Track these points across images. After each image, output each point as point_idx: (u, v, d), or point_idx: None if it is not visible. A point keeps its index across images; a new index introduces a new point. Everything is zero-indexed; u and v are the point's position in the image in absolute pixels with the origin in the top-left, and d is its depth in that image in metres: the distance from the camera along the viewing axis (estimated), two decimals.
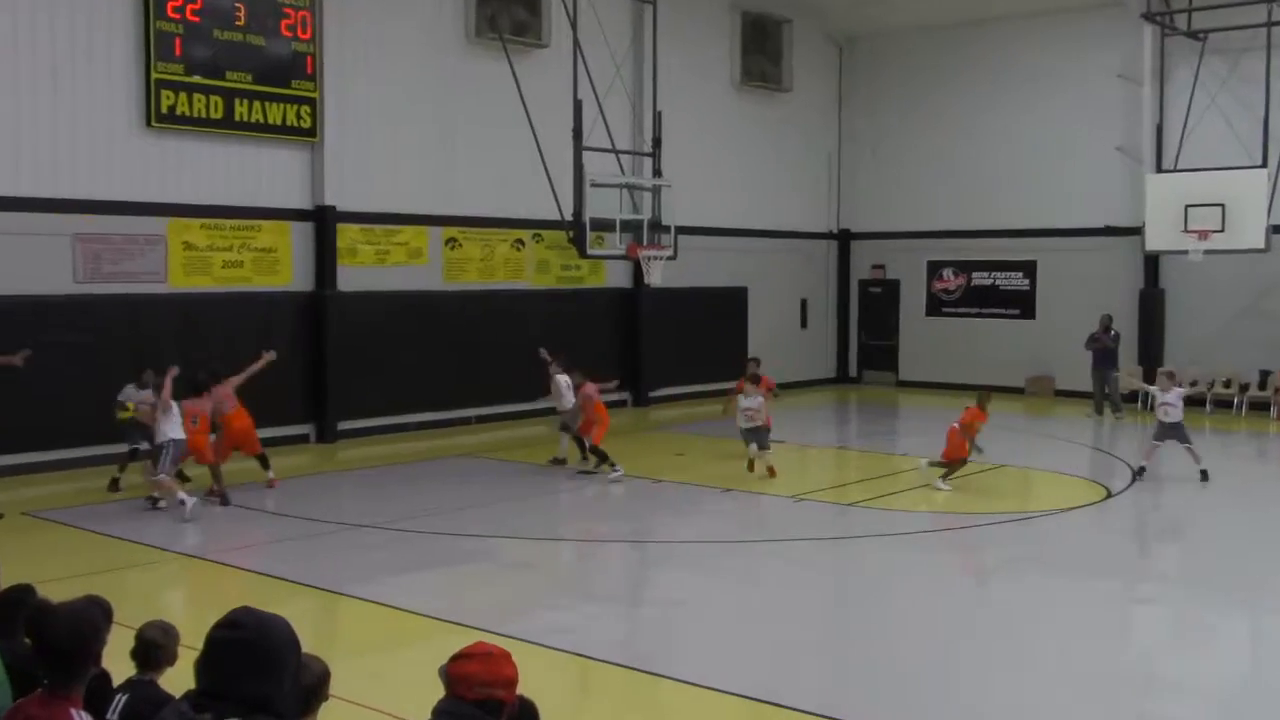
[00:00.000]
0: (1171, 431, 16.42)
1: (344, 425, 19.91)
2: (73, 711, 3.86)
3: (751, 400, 16.46)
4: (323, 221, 19.68)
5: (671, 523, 14.46)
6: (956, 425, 16.10)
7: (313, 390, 19.65)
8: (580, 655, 9.12)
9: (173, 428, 13.92)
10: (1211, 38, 23.74)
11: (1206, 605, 10.87)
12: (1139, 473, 16.65)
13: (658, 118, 20.62)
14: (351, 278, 20.05)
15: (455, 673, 3.68)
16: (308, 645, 4.44)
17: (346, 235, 20.04)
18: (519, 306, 22.40)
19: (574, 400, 17.19)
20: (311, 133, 19.40)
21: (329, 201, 19.69)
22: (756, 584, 11.48)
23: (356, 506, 14.57)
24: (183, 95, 17.87)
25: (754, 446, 16.26)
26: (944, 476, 15.82)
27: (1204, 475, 16.36)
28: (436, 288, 21.34)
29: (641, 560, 12.94)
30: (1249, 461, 20.48)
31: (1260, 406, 23.71)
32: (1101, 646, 9.70)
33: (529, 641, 9.20)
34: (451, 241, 21.63)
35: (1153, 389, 17.63)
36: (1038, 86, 26.73)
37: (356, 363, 19.86)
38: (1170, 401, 16.45)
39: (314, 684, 4.24)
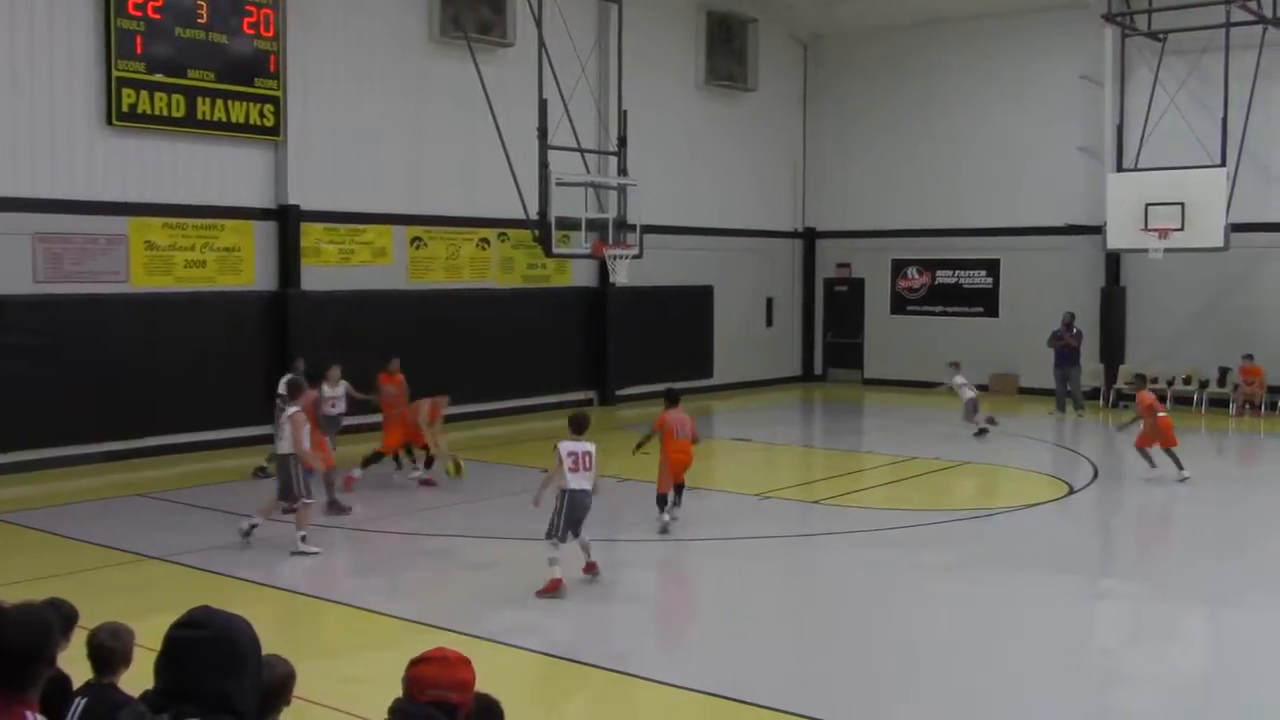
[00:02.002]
0: (972, 407, 20.02)
1: None
2: (28, 714, 3.82)
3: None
4: (286, 221, 19.55)
5: (637, 521, 14.45)
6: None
7: (275, 390, 19.45)
8: (547, 655, 9.11)
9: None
10: (1171, 38, 23.97)
11: (1167, 600, 10.98)
12: (980, 434, 19.67)
13: (623, 117, 20.63)
14: (315, 277, 19.93)
15: (411, 675, 3.81)
16: (275, 648, 4.42)
17: (310, 234, 19.93)
18: (484, 306, 22.33)
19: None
20: (275, 131, 19.27)
21: (292, 200, 19.57)
22: (722, 582, 11.49)
23: (321, 508, 14.45)
24: (144, 93, 17.71)
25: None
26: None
27: (981, 431, 19.69)
28: (401, 287, 21.25)
29: (608, 559, 12.92)
30: (1208, 458, 20.69)
31: (1219, 403, 23.96)
32: (1064, 641, 9.79)
33: (495, 641, 9.19)
34: (416, 241, 21.55)
35: (954, 381, 20.70)
36: (1001, 86, 26.92)
37: (320, 362, 19.68)
38: (957, 387, 20.52)
39: (277, 685, 4.21)
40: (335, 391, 16.13)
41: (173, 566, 11.65)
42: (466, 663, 3.89)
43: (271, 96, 19.18)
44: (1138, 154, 23.95)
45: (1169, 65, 24.00)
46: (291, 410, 12.31)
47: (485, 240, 22.66)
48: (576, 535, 10.75)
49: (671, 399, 13.67)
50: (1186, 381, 24.50)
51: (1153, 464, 16.56)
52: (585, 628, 10.24)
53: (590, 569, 10.90)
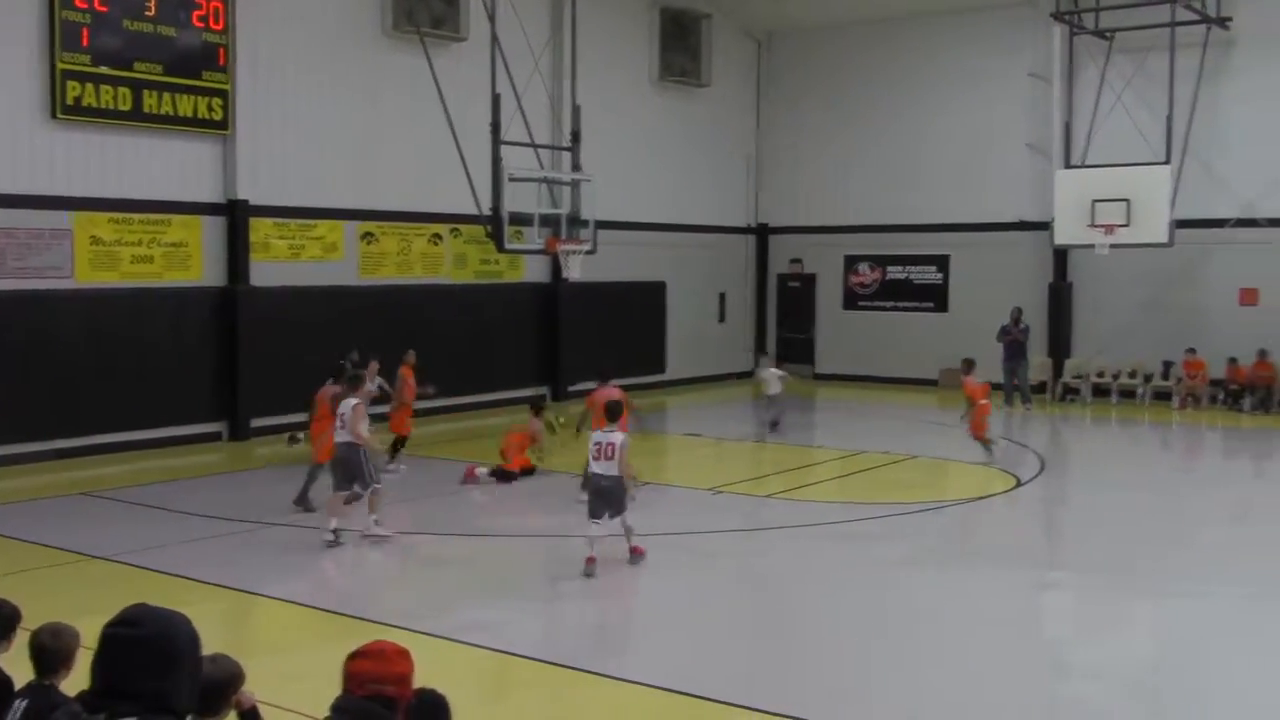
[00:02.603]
0: (770, 402, 20.21)
1: (257, 422, 19.59)
2: None
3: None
4: (235, 216, 19.34)
5: (581, 517, 14.43)
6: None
7: (224, 387, 19.31)
8: (500, 651, 9.06)
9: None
10: (1118, 37, 24.24)
11: (1114, 591, 11.10)
12: (772, 428, 19.78)
13: (576, 112, 20.59)
14: (265, 273, 19.74)
15: (349, 670, 3.80)
16: (222, 646, 4.37)
17: (260, 229, 19.72)
18: (437, 301, 22.21)
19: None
20: (224, 125, 19.06)
21: (241, 195, 19.36)
22: (675, 577, 11.50)
23: (270, 505, 14.32)
24: (90, 86, 17.45)
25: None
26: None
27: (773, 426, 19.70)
28: (352, 283, 21.09)
29: (561, 556, 12.91)
30: (1153, 450, 20.97)
31: (1163, 396, 24.28)
32: (1013, 632, 9.87)
33: (447, 639, 9.14)
34: (368, 236, 21.39)
35: (768, 373, 20.80)
36: (952, 84, 27.12)
37: (270, 358, 19.54)
38: (766, 378, 20.59)
39: (223, 683, 4.16)
40: (370, 386, 16.03)
41: (118, 566, 11.49)
42: (404, 655, 3.87)
43: (220, 90, 18.96)
44: (1085, 151, 24.21)
45: (1116, 64, 24.27)
46: (353, 401, 12.51)
47: (438, 236, 22.53)
48: (610, 517, 11.34)
49: (602, 376, 14.46)
50: (1131, 375, 24.81)
51: (990, 452, 17.09)
52: (540, 625, 10.22)
53: (634, 551, 11.54)
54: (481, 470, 15.77)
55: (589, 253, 20.10)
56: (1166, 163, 22.56)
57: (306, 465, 14.35)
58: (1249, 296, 23.96)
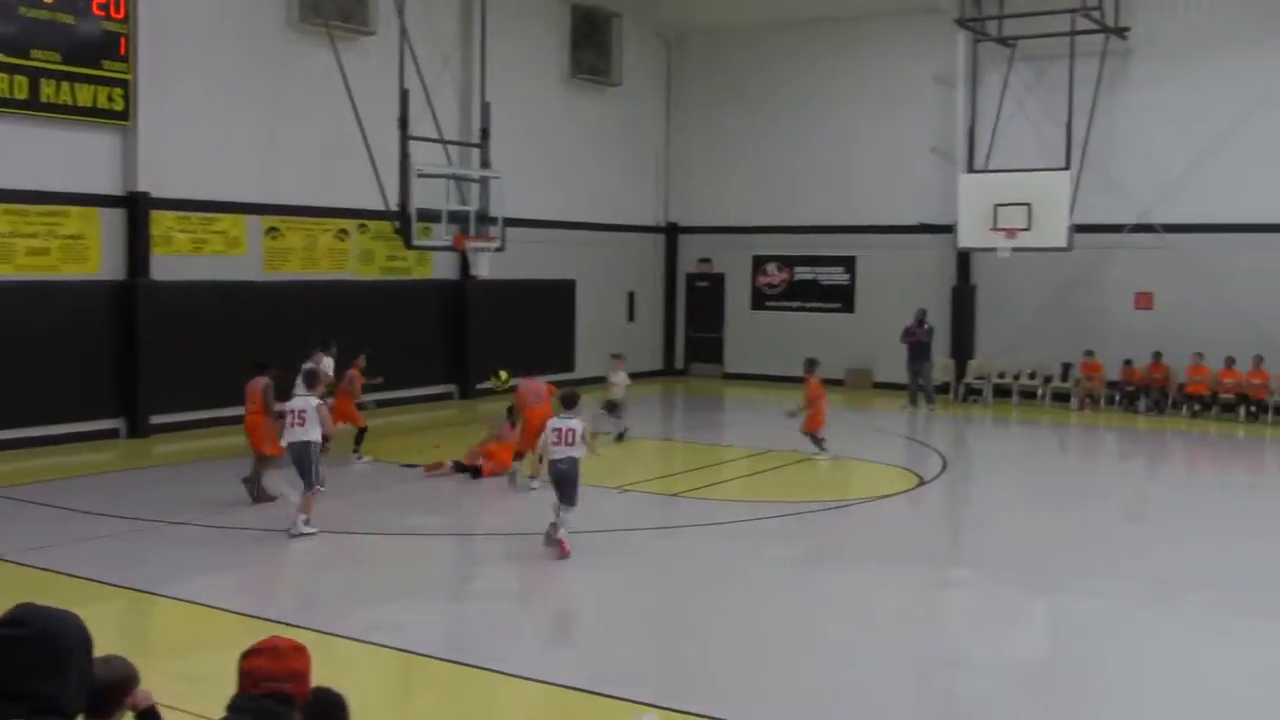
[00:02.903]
0: (612, 409, 19.50)
1: (157, 419, 19.21)
2: None
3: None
4: (135, 208, 18.93)
5: (497, 515, 14.40)
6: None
7: (124, 383, 18.89)
8: (405, 651, 9.00)
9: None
10: (1020, 45, 24.78)
11: (1010, 588, 11.35)
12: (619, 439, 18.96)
13: (486, 109, 20.53)
14: (166, 267, 19.34)
15: (243, 668, 3.75)
16: (118, 648, 4.28)
17: (161, 223, 19.32)
18: (343, 298, 21.96)
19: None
20: (124, 116, 18.64)
21: (142, 187, 18.95)
22: (583, 575, 11.51)
23: (169, 503, 14.06)
24: None
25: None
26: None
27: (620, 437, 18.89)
28: (256, 278, 20.76)
29: (468, 554, 12.85)
30: (1051, 450, 21.47)
31: (1062, 397, 24.88)
32: (913, 628, 10.06)
33: (351, 638, 9.06)
34: (272, 231, 21.07)
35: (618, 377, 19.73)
36: (859, 88, 27.49)
37: (171, 354, 19.17)
38: (615, 383, 19.60)
39: (115, 684, 4.08)
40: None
41: (10, 566, 11.19)
42: (300, 651, 3.83)
43: (121, 80, 18.55)
44: (988, 156, 24.72)
45: (1018, 71, 24.82)
46: (315, 401, 12.64)
47: (344, 231, 22.27)
48: (569, 502, 11.74)
49: (527, 371, 15.78)
50: (1031, 376, 25.36)
51: (821, 448, 17.61)
52: (447, 624, 10.17)
53: (560, 546, 11.66)
54: (448, 463, 15.98)
55: (498, 250, 20.05)
56: (1066, 169, 23.11)
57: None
58: (1144, 300, 24.67)
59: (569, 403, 12.24)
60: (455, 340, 24.40)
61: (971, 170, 24.98)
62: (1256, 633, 9.82)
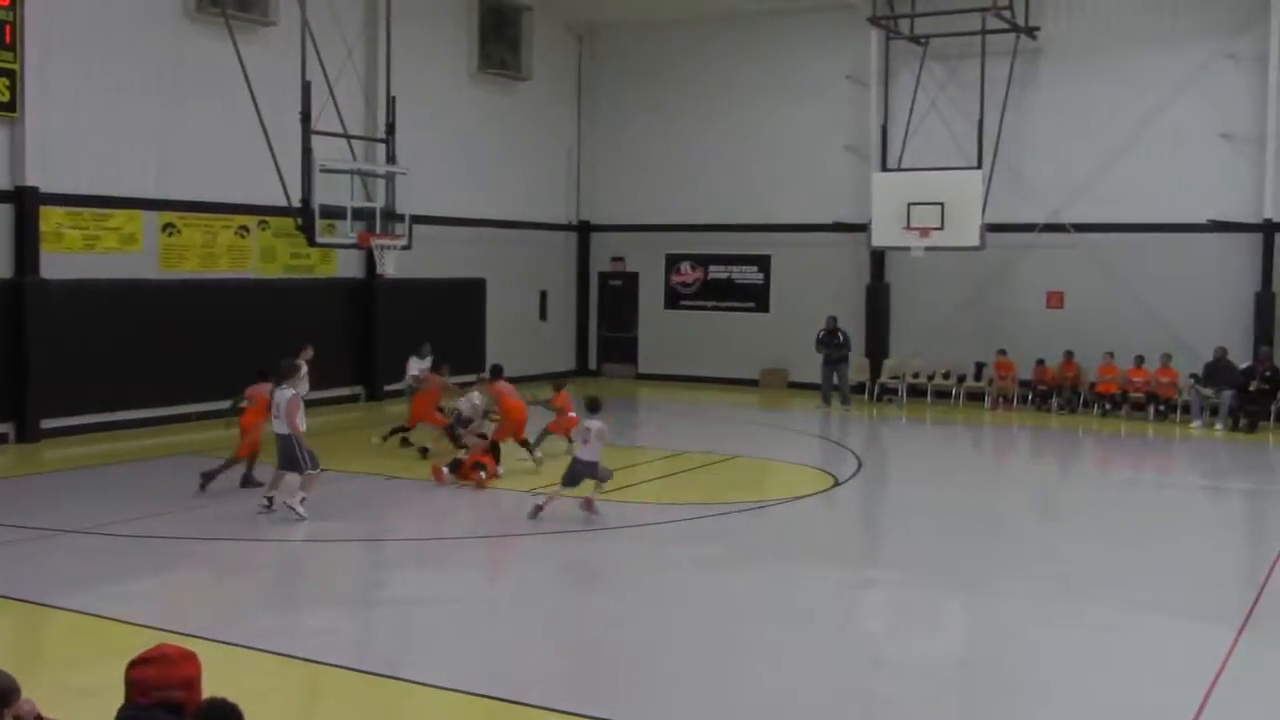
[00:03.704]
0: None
1: (48, 424, 18.74)
2: None
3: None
4: (23, 203, 18.45)
5: (407, 520, 14.29)
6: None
7: (12, 385, 18.40)
8: (309, 660, 8.89)
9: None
10: (932, 43, 25.20)
11: (926, 587, 11.53)
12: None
13: (391, 103, 20.35)
14: (56, 265, 18.87)
15: (131, 677, 3.69)
16: (6, 663, 4.18)
17: (51, 219, 18.85)
18: (244, 297, 21.62)
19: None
20: (10, 107, 18.15)
21: (30, 182, 18.48)
22: (494, 580, 11.48)
23: (62, 511, 13.73)
24: None
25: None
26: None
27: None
28: (152, 276, 20.35)
29: (375, 560, 12.74)
30: (965, 450, 21.85)
31: (976, 397, 25.33)
32: (829, 628, 10.18)
33: (252, 648, 8.93)
34: (169, 227, 20.66)
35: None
36: (772, 84, 27.73)
37: (62, 356, 18.72)
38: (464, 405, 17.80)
39: None
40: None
41: None
42: (190, 658, 3.78)
43: (7, 69, 18.06)
44: (901, 154, 25.07)
45: (930, 69, 25.22)
46: (289, 393, 13.32)
47: (244, 228, 21.92)
48: (573, 485, 13.71)
49: (495, 372, 17.40)
50: (946, 376, 25.78)
51: (535, 453, 17.45)
52: (350, 631, 10.06)
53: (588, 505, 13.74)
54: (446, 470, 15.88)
55: (404, 248, 19.89)
56: (978, 168, 23.57)
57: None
58: (1056, 300, 25.23)
59: (594, 408, 14.06)
60: (362, 341, 24.14)
61: (885, 169, 25.34)
62: (1165, 630, 10.08)
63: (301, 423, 13.32)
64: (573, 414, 17.08)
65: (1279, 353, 22.78)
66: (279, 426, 13.38)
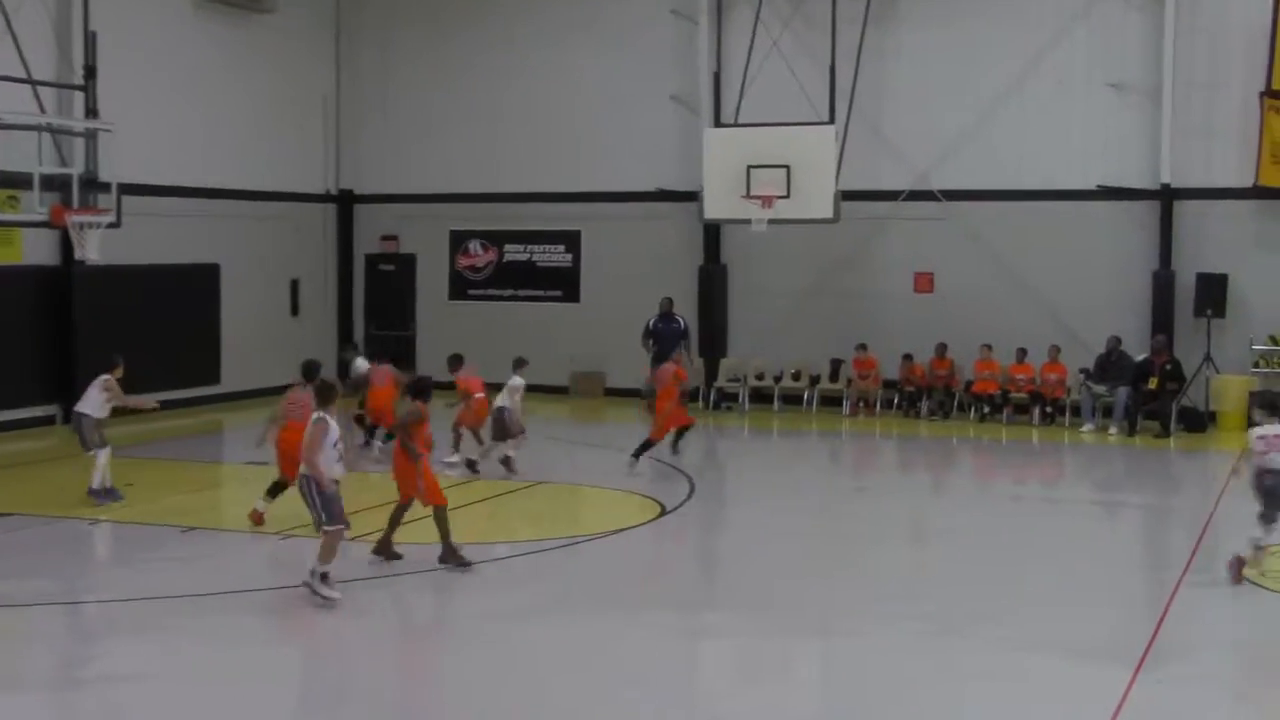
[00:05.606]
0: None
1: None
2: None
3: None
4: None
5: (116, 576, 13.94)
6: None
7: None
8: None
9: None
10: None
11: (774, 632, 11.75)
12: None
13: (91, 40, 19.95)
14: None
15: None
16: None
17: None
18: None
19: None
20: None
21: None
22: (231, 647, 11.25)
23: None
24: None
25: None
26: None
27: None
28: None
29: (73, 628, 12.38)
30: (820, 465, 22.35)
31: (833, 401, 25.87)
32: (661, 687, 10.28)
33: None
34: None
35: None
36: (581, 20, 27.85)
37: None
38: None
39: None
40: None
41: None
42: None
43: None
44: (738, 107, 25.26)
45: (771, 3, 25.61)
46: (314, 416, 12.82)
47: None
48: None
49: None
50: (796, 377, 26.23)
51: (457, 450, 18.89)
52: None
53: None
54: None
55: (111, 225, 19.47)
56: (831, 123, 23.97)
57: None
58: (924, 282, 25.96)
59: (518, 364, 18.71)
60: (56, 346, 23.41)
61: (719, 124, 25.67)
62: (1051, 674, 10.48)
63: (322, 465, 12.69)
64: (479, 394, 19.01)
65: (1181, 341, 23.81)
66: None
